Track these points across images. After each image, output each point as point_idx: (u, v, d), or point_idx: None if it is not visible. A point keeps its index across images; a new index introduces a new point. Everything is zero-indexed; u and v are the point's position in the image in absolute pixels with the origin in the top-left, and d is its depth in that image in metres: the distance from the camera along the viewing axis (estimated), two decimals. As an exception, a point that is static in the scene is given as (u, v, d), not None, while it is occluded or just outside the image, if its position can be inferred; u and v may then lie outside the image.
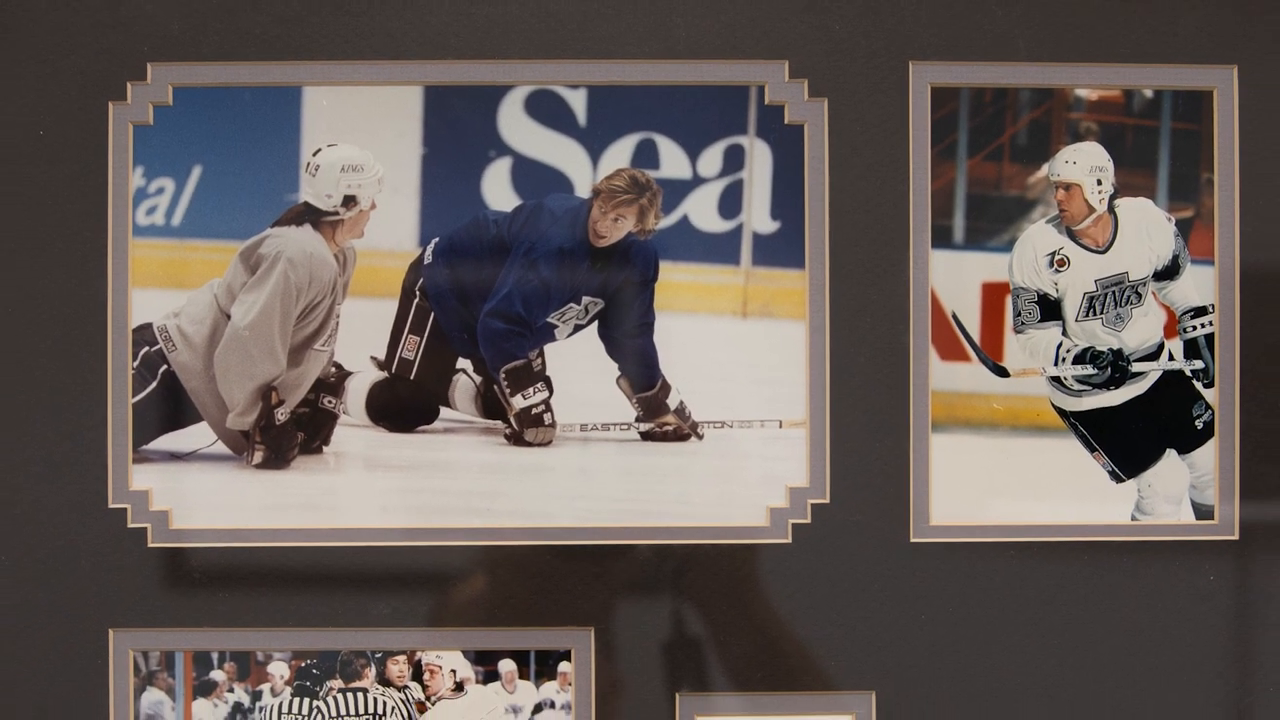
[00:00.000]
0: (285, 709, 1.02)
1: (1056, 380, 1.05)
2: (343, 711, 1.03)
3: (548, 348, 1.06)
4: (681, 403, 1.05)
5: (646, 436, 1.06)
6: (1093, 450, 1.05)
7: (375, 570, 1.02)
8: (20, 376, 1.01)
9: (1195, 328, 1.04)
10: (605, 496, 1.04)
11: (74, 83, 1.00)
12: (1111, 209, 1.04)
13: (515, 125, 1.03)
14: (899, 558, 1.03)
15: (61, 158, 1.00)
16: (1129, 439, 1.05)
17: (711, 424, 1.05)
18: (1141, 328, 1.05)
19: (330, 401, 1.05)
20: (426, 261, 1.05)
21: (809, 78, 1.02)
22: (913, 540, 1.03)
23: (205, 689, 1.02)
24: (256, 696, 1.03)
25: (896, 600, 1.03)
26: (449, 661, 1.03)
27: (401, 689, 1.03)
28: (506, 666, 1.03)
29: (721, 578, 1.03)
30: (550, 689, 1.03)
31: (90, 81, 1.00)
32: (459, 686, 1.03)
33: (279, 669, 1.02)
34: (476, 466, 1.06)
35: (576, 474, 1.05)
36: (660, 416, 1.06)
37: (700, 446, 1.06)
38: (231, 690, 1.03)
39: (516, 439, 1.05)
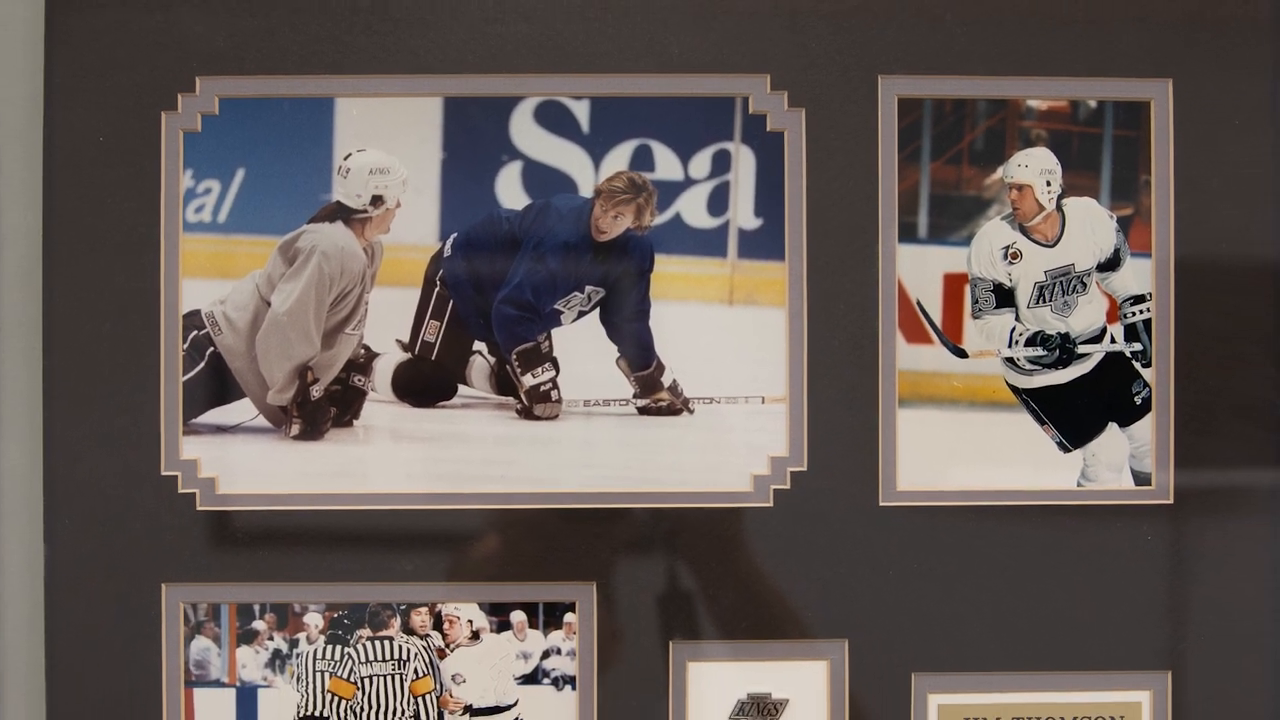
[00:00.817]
0: (319, 655, 1.05)
1: (1010, 361, 1.09)
2: (371, 657, 1.06)
3: (555, 332, 1.09)
4: (674, 381, 1.08)
5: (643, 411, 1.09)
6: (1042, 423, 1.08)
7: (400, 531, 1.05)
8: (83, 358, 1.04)
9: (1135, 314, 1.08)
10: (606, 465, 1.08)
11: (130, 95, 1.04)
12: (1059, 207, 1.08)
13: (525, 132, 1.07)
14: (869, 520, 1.06)
15: (120, 161, 1.04)
16: (1075, 413, 1.09)
17: (701, 400, 1.08)
18: (1086, 314, 1.09)
19: (360, 380, 1.08)
20: (446, 254, 1.08)
21: (788, 90, 1.06)
22: (881, 504, 1.07)
23: (247, 637, 1.06)
24: (293, 644, 1.06)
25: (867, 557, 1.06)
26: (466, 613, 1.06)
27: (423, 637, 1.06)
28: (517, 617, 1.06)
29: (710, 538, 1.06)
30: (557, 637, 1.06)
31: (145, 93, 1.04)
32: (475, 635, 1.06)
33: (314, 619, 1.05)
34: (491, 438, 1.09)
35: (580, 445, 1.08)
36: (655, 393, 1.09)
37: (691, 420, 1.09)
38: (271, 639, 1.06)
39: (527, 414, 1.09)
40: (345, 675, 1.06)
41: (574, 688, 1.07)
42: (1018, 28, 1.06)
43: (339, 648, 1.06)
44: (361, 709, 1.05)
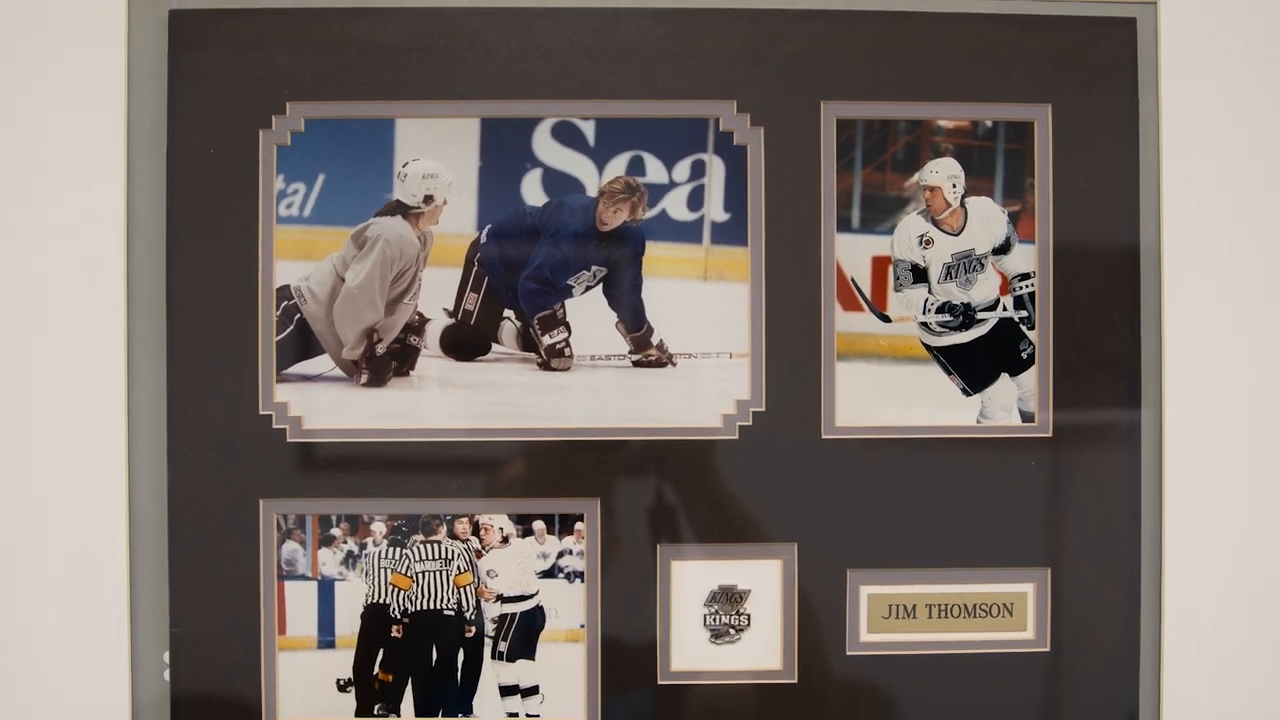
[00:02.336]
0: (383, 555, 1.13)
1: (924, 325, 1.15)
2: (423, 557, 1.13)
3: (568, 302, 1.14)
4: (661, 340, 1.13)
5: (636, 364, 1.14)
6: (949, 374, 1.15)
7: (445, 458, 1.12)
8: (198, 323, 1.11)
9: (1021, 288, 1.15)
10: (608, 406, 1.13)
11: (235, 116, 1.10)
12: (963, 204, 1.14)
13: (544, 146, 1.12)
14: (814, 449, 1.13)
15: (227, 169, 1.10)
16: (975, 366, 1.15)
17: (682, 355, 1.14)
18: (984, 288, 1.15)
19: (415, 340, 1.13)
20: (482, 241, 1.13)
21: (750, 112, 1.12)
22: (824, 437, 1.13)
23: (326, 541, 1.13)
24: (362, 546, 1.13)
25: (812, 479, 1.13)
26: (498, 522, 1.13)
27: (464, 541, 1.13)
28: (538, 525, 1.13)
29: (689, 463, 1.13)
30: (569, 541, 1.13)
31: (246, 115, 1.10)
32: (505, 539, 1.13)
33: (378, 527, 1.13)
34: (517, 385, 1.14)
35: (587, 390, 1.13)
36: (646, 350, 1.14)
37: (674, 372, 1.13)
38: (345, 542, 1.13)
39: (545, 366, 1.13)
40: (403, 570, 1.13)
41: (582, 580, 1.13)
42: (930, 64, 1.12)
43: (398, 549, 1.12)
44: (416, 597, 1.14)
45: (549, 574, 1.14)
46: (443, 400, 1.14)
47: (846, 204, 1.14)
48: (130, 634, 1.12)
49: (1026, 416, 1.16)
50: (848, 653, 1.15)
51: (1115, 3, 1.15)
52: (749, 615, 1.15)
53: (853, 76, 1.13)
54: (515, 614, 1.15)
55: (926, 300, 1.16)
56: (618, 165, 1.14)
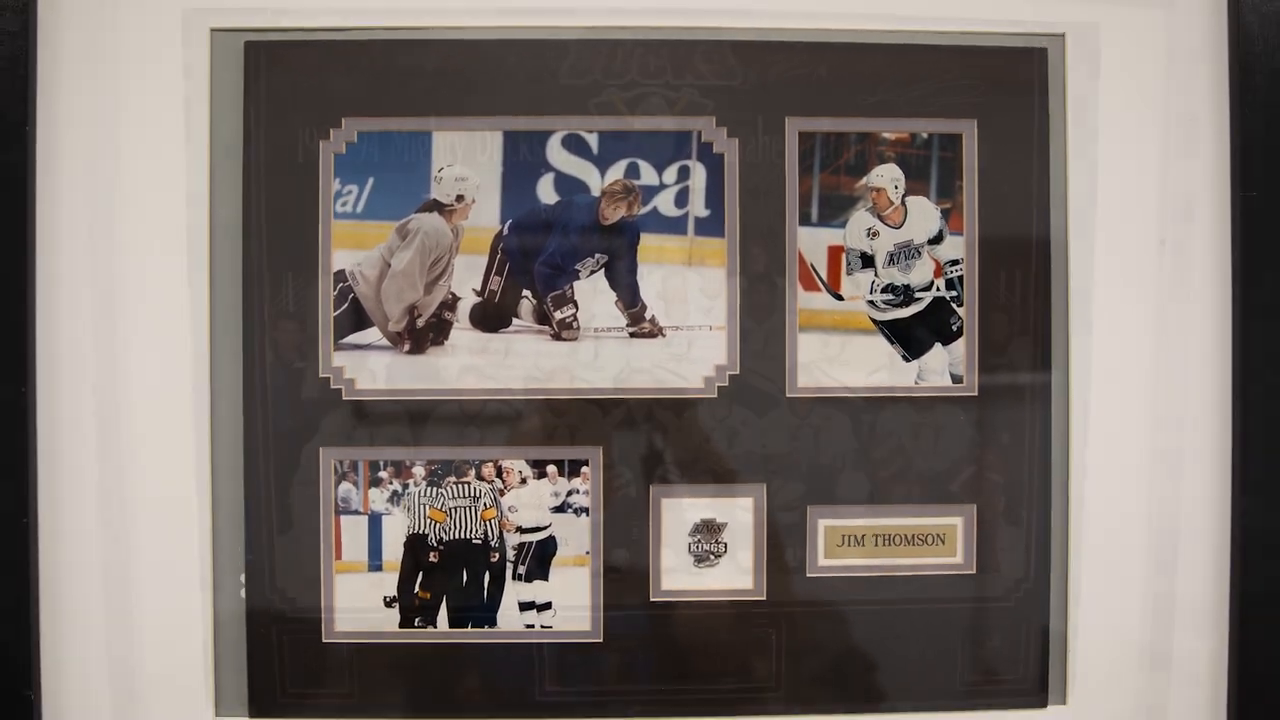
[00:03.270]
0: (422, 494, 1.22)
1: (871, 303, 1.25)
2: (455, 495, 1.23)
3: (575, 284, 1.23)
4: (653, 315, 1.22)
5: (632, 335, 1.22)
6: (892, 343, 1.24)
7: (474, 413, 1.22)
8: (271, 303, 1.20)
9: (952, 271, 1.24)
10: (608, 370, 1.23)
11: (298, 128, 1.19)
12: (903, 202, 1.23)
13: (556, 154, 1.21)
14: (779, 406, 1.22)
15: (292, 172, 1.20)
16: (914, 336, 1.24)
17: (670, 328, 1.23)
18: (921, 272, 1.25)
19: (449, 315, 1.22)
20: (504, 234, 1.21)
21: (727, 126, 1.21)
22: (787, 395, 1.22)
23: (375, 482, 1.22)
24: (405, 486, 1.23)
25: (778, 430, 1.22)
26: (517, 466, 1.23)
27: (489, 482, 1.23)
28: (551, 469, 1.23)
29: (676, 418, 1.23)
30: (576, 482, 1.22)
31: (308, 128, 1.20)
32: (523, 480, 1.23)
33: (418, 470, 1.22)
34: (533, 353, 1.23)
35: (592, 357, 1.22)
36: (640, 324, 1.23)
37: (664, 342, 1.23)
38: (391, 483, 1.22)
39: (556, 337, 1.22)
40: (439, 506, 1.23)
41: (588, 515, 1.23)
42: (877, 86, 1.22)
43: (435, 489, 1.22)
44: (449, 529, 1.24)
45: (560, 509, 1.23)
46: (472, 365, 1.22)
47: (807, 202, 1.22)
48: (213, 560, 1.22)
49: (956, 379, 1.25)
50: (808, 575, 1.25)
51: (1028, 35, 1.23)
52: (726, 544, 1.25)
53: (813, 97, 1.22)
54: (532, 542, 1.25)
55: (873, 282, 1.24)
56: (617, 170, 1.22)
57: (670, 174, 1.23)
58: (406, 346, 1.23)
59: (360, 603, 1.24)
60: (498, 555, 1.24)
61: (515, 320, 1.25)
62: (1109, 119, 1.24)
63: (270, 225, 1.21)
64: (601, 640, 1.24)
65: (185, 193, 1.19)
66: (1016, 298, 1.24)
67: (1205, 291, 1.23)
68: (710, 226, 1.23)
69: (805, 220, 1.23)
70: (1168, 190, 1.23)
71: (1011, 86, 1.23)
